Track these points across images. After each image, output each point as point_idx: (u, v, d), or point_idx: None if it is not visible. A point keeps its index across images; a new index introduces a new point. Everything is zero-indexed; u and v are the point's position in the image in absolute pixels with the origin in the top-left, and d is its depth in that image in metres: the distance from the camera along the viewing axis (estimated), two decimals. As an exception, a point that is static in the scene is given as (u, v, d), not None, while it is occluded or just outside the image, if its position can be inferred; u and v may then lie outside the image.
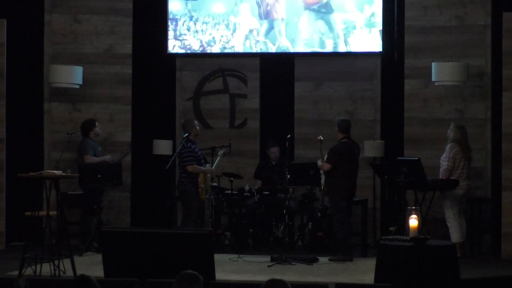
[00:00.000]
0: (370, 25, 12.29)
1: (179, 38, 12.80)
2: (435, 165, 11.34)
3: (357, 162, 11.14)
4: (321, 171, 11.11)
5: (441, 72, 11.61)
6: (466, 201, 11.52)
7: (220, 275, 9.20)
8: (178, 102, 13.01)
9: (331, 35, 12.42)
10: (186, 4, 12.78)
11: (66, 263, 9.55)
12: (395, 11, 12.40)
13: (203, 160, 11.76)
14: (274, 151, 12.43)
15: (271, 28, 12.62)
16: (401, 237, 8.29)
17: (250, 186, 12.30)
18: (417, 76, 12.22)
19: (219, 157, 12.02)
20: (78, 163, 11.76)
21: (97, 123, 12.02)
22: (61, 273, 9.46)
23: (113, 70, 12.73)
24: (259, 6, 12.63)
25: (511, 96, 11.29)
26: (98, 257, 9.52)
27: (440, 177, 11.18)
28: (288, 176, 11.17)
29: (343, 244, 10.89)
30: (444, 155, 11.25)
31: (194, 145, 11.68)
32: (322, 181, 11.14)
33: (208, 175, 11.77)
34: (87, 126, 11.96)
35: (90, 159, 11.73)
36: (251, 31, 12.66)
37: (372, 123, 12.57)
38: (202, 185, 11.55)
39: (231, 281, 9.10)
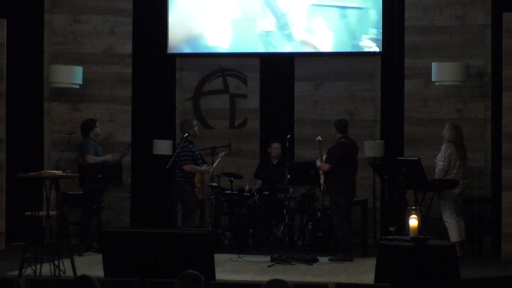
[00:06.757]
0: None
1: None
2: (435, 165, 11.34)
3: (356, 161, 11.15)
4: (320, 171, 11.12)
5: (441, 72, 11.61)
6: (465, 201, 11.53)
7: (220, 275, 9.20)
8: (178, 102, 13.01)
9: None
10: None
11: (66, 263, 9.56)
12: (395, 11, 12.40)
13: (200, 161, 11.77)
14: (276, 147, 12.43)
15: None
16: (401, 237, 8.29)
17: (250, 186, 12.30)
18: (417, 76, 12.21)
19: (219, 158, 12.03)
20: (79, 163, 11.77)
21: (97, 123, 12.03)
22: (61, 273, 9.46)
23: (113, 70, 12.73)
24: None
25: (511, 96, 11.29)
26: (98, 257, 9.52)
27: (436, 177, 11.19)
28: (288, 176, 11.17)
29: (343, 244, 10.90)
30: (439, 155, 11.26)
31: (191, 145, 11.69)
32: (322, 181, 11.14)
33: (206, 175, 11.78)
34: (88, 126, 11.95)
35: (92, 158, 11.74)
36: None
37: (372, 123, 12.57)
38: (199, 185, 11.56)
39: (231, 281, 9.10)
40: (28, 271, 9.52)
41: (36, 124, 12.62)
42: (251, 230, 11.90)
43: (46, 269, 9.45)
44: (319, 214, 11.79)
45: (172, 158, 11.42)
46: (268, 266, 10.41)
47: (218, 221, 12.25)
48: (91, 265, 10.15)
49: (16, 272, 9.55)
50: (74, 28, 12.68)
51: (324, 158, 10.97)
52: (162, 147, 12.45)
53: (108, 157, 12.04)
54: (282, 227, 11.70)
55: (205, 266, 8.03)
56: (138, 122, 12.88)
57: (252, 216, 12.02)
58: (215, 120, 12.97)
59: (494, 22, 11.78)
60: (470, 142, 11.64)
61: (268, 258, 10.70)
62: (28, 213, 10.39)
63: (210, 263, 8.30)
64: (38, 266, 9.48)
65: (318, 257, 10.83)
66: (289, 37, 12.64)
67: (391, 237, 8.54)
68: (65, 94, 12.62)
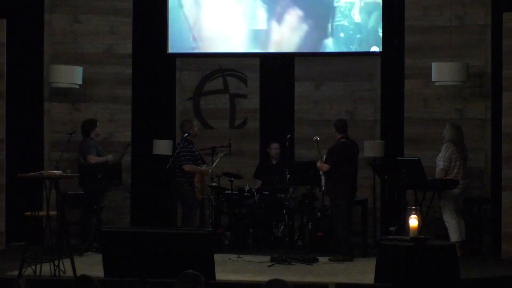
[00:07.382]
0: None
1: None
2: (435, 165, 11.35)
3: (357, 161, 11.15)
4: (321, 172, 11.11)
5: (441, 72, 11.61)
6: (465, 201, 11.54)
7: (220, 275, 9.19)
8: (178, 102, 13.02)
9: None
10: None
11: (66, 263, 9.55)
12: (395, 11, 12.40)
13: (200, 161, 11.78)
14: (275, 147, 12.45)
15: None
16: (401, 237, 8.29)
17: (250, 186, 12.30)
18: (417, 76, 12.21)
19: (218, 158, 12.04)
20: (79, 163, 11.76)
21: (98, 123, 12.03)
22: (61, 273, 9.46)
23: (113, 70, 12.73)
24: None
25: (511, 96, 11.29)
26: (98, 257, 9.50)
27: (436, 177, 11.19)
28: (288, 176, 11.16)
29: (344, 244, 10.89)
30: (440, 155, 11.26)
31: (191, 145, 11.70)
32: (322, 182, 11.14)
33: (206, 175, 11.79)
34: (88, 126, 11.95)
35: (94, 159, 11.74)
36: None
37: (372, 123, 12.57)
38: (198, 185, 11.57)
39: (231, 281, 9.10)
40: (28, 271, 9.51)
41: (36, 124, 12.62)
42: (251, 230, 11.90)
43: (46, 269, 9.44)
44: (319, 214, 11.79)
45: (172, 158, 11.42)
46: (268, 266, 10.41)
47: (218, 221, 12.25)
48: (91, 265, 10.15)
49: (16, 272, 9.54)
50: (74, 28, 12.68)
51: (324, 159, 10.97)
52: (162, 147, 12.45)
53: (109, 157, 12.04)
54: (282, 227, 11.70)
55: (205, 266, 8.01)
56: (138, 122, 12.88)
57: (252, 216, 12.02)
58: (215, 120, 12.97)
59: (494, 22, 11.78)
60: (470, 142, 11.64)
61: (268, 258, 10.70)
62: (28, 213, 10.39)
63: (210, 263, 8.28)
64: (38, 266, 9.47)
65: (318, 257, 10.83)
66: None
67: (391, 237, 8.55)
68: (65, 94, 12.62)
